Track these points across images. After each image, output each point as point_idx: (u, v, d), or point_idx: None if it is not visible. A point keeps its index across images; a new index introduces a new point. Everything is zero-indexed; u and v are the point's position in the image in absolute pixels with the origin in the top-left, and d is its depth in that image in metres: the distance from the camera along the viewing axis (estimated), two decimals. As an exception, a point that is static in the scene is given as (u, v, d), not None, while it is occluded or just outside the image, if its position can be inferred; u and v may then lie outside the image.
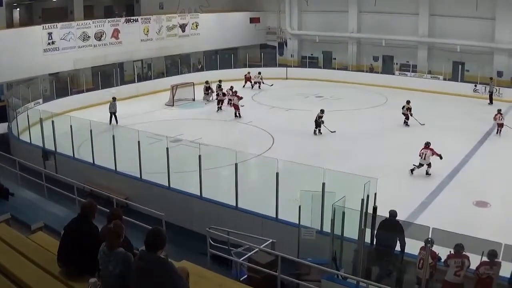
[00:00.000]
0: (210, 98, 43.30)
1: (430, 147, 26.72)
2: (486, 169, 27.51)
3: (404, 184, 24.61)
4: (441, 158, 26.34)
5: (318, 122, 33.40)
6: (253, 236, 14.96)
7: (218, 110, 39.30)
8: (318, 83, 50.97)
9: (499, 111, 35.59)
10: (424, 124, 34.86)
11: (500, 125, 35.15)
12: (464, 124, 35.61)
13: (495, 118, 35.22)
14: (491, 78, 46.39)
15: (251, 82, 50.06)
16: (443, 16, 52.43)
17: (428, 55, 53.69)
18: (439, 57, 52.35)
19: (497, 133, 34.94)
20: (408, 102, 37.49)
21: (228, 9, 57.92)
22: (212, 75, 46.87)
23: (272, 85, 49.55)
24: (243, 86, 48.86)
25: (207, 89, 43.41)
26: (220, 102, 40.75)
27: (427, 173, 26.45)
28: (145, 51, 49.19)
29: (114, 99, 36.40)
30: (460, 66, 51.22)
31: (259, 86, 49.35)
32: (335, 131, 33.34)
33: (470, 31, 50.21)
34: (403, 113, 36.89)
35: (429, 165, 26.46)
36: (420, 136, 32.46)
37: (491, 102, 44.13)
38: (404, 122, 36.79)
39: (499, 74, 49.28)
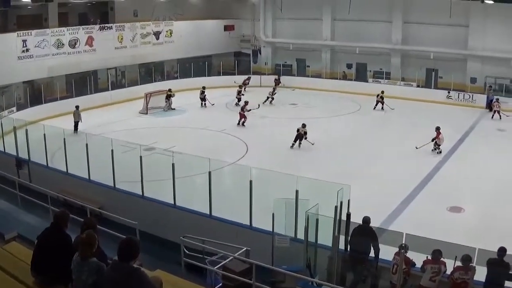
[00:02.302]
0: (169, 106, 43.29)
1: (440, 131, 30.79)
2: (460, 175, 27.93)
3: (378, 190, 24.58)
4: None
5: (301, 136, 33.17)
6: (227, 244, 14.99)
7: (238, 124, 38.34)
8: (292, 91, 51.07)
9: (497, 99, 43.87)
10: (393, 109, 36.65)
11: (497, 112, 42.84)
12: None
13: (493, 105, 43.59)
14: (490, 87, 47.28)
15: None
16: (416, 24, 52.99)
17: (402, 62, 54.20)
18: (413, 64, 52.93)
19: (492, 118, 42.79)
20: (382, 92, 43.15)
21: (202, 16, 57.91)
22: (186, 83, 46.94)
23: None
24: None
25: (168, 97, 43.26)
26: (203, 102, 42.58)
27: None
28: (119, 58, 48.96)
29: (77, 107, 36.13)
30: (433, 73, 51.78)
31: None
32: (314, 143, 33.27)
33: (443, 38, 50.75)
34: (377, 100, 42.79)
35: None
36: (392, 143, 32.95)
37: (490, 110, 44.69)
38: (374, 108, 42.54)
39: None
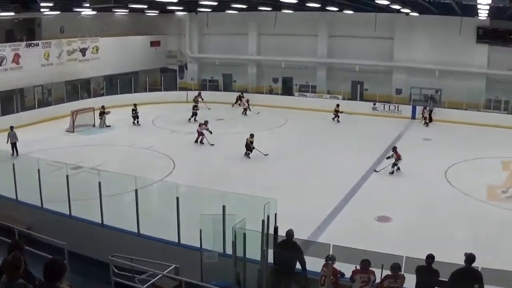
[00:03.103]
0: (104, 124, 42.98)
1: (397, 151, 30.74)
2: (387, 185, 28.84)
3: (307, 202, 25.10)
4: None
5: (249, 146, 33.83)
6: (156, 262, 15.07)
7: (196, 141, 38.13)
8: (219, 106, 51.33)
9: (424, 107, 47.21)
10: (267, 155, 34.51)
11: (425, 118, 46.32)
12: (364, 142, 36.49)
13: (422, 112, 46.69)
14: (430, 98, 48.43)
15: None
16: (342, 37, 54.14)
17: (327, 76, 55.34)
18: (338, 77, 54.22)
19: (424, 124, 46.09)
20: (338, 105, 44.94)
21: (128, 32, 57.70)
22: (113, 100, 46.59)
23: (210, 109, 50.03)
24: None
25: (102, 114, 42.98)
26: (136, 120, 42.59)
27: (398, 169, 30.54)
28: (46, 76, 48.20)
29: (11, 128, 34.78)
30: (359, 85, 52.65)
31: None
32: (267, 154, 33.94)
33: (369, 51, 52.10)
34: (334, 114, 44.58)
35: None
36: (320, 156, 33.46)
37: (430, 121, 46.35)
38: (333, 119, 44.44)
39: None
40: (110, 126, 43.10)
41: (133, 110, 43.45)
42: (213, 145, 36.02)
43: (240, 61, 59.48)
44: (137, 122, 43.64)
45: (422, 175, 30.37)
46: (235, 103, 53.60)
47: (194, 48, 62.11)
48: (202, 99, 50.90)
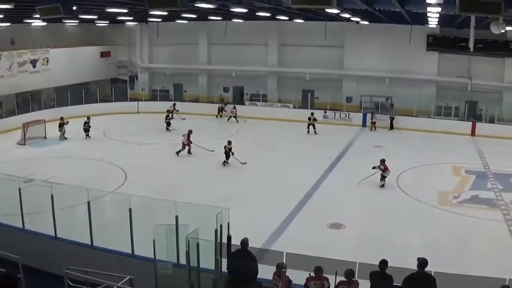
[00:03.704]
0: (63, 135, 42.45)
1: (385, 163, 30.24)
2: (338, 192, 29.22)
3: (260, 211, 25.30)
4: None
5: (228, 154, 34.15)
6: (111, 274, 15.08)
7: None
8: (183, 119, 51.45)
9: (373, 113, 48.46)
10: (245, 163, 34.90)
11: (373, 123, 47.80)
12: (315, 150, 36.83)
13: (372, 118, 47.99)
14: (391, 105, 49.07)
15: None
16: (292, 46, 54.64)
17: (278, 84, 55.76)
18: (289, 86, 54.55)
19: (371, 129, 47.69)
20: (312, 113, 44.97)
21: (79, 43, 57.25)
22: (64, 112, 46.21)
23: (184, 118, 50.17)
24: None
25: (61, 126, 42.54)
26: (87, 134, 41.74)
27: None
28: (-3, 88, 47.49)
29: None
30: (309, 94, 53.17)
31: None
32: (246, 163, 34.27)
33: (319, 59, 52.73)
34: (308, 123, 44.14)
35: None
36: (272, 165, 33.67)
37: (391, 128, 47.30)
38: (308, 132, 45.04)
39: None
40: (67, 138, 42.50)
41: (85, 122, 42.94)
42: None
43: (191, 71, 59.57)
44: (88, 136, 42.94)
45: (373, 181, 30.67)
46: (218, 114, 53.62)
47: (144, 58, 62.06)
48: (177, 110, 51.21)
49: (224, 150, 34.49)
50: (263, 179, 31.57)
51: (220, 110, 53.57)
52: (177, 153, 37.08)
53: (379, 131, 46.99)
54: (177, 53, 59.98)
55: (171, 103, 52.90)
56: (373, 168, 30.30)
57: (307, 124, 45.61)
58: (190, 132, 37.41)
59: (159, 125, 46.76)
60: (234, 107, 52.23)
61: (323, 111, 50.14)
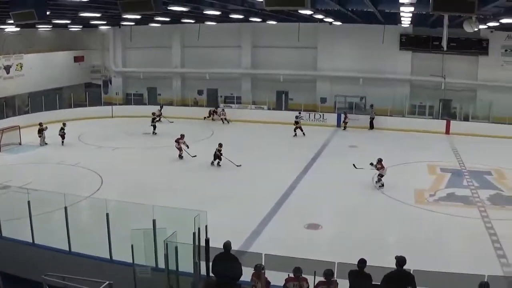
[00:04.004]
0: (44, 141, 41.99)
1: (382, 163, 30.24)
2: (315, 193, 29.24)
3: (237, 213, 25.32)
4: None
5: (218, 155, 34.57)
6: (89, 280, 15.03)
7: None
8: (144, 120, 51.22)
9: (344, 112, 48.96)
10: (240, 165, 35.07)
11: (345, 123, 48.26)
12: (290, 151, 36.91)
13: (345, 117, 48.40)
14: (371, 106, 49.22)
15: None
16: (265, 48, 54.79)
17: (252, 86, 55.88)
18: (263, 87, 54.64)
19: (343, 129, 48.45)
20: (296, 117, 44.97)
21: (52, 48, 56.76)
22: (39, 117, 45.89)
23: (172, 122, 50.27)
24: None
25: (40, 131, 42.06)
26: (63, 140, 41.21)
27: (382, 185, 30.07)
28: (-29, 95, 46.75)
29: None
30: (283, 95, 53.33)
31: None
32: (240, 165, 34.46)
33: (293, 60, 52.98)
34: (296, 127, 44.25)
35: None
36: (248, 166, 33.71)
37: (371, 128, 47.64)
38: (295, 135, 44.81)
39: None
40: (47, 143, 42.16)
41: (61, 128, 42.43)
42: (195, 156, 36.26)
43: (165, 74, 59.51)
44: (62, 142, 42.41)
45: (349, 181, 30.96)
46: (208, 116, 53.60)
47: (118, 62, 61.82)
48: (161, 114, 51.00)
49: (214, 152, 34.87)
50: (239, 181, 31.66)
51: (212, 113, 53.55)
52: (180, 157, 37.14)
53: (354, 131, 47.18)
54: (151, 56, 59.81)
55: (157, 107, 52.66)
56: (371, 164, 30.46)
57: (294, 127, 45.75)
58: (182, 136, 37.33)
59: (133, 129, 46.74)
60: (223, 110, 52.48)
61: (297, 112, 50.20)
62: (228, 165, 34.58)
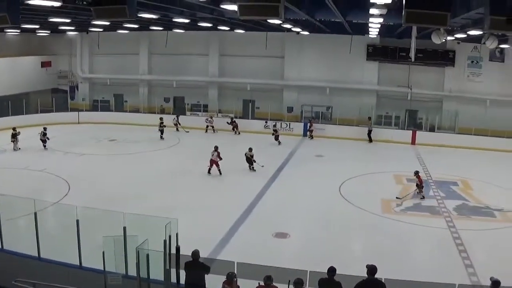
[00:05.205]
0: (17, 146, 41.55)
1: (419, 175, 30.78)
2: (282, 201, 29.43)
3: (203, 222, 25.35)
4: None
5: (250, 160, 35.13)
6: (60, 286, 15.00)
7: None
8: (111, 126, 51.08)
9: (310, 120, 49.88)
10: (263, 166, 35.85)
11: (311, 132, 48.92)
12: (257, 160, 36.98)
13: (310, 126, 49.15)
14: (369, 118, 49.15)
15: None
16: (233, 56, 54.89)
17: (219, 95, 56.00)
18: (230, 96, 54.75)
19: (310, 138, 48.97)
20: (274, 125, 45.88)
21: (19, 53, 56.31)
22: (5, 122, 45.57)
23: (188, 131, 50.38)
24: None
25: (14, 136, 41.42)
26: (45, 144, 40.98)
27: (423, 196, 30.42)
28: None
29: None
30: (250, 104, 53.43)
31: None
32: (263, 166, 35.11)
33: (260, 69, 53.31)
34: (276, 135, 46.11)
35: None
36: (215, 174, 33.64)
37: (370, 141, 47.38)
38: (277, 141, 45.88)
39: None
40: (21, 148, 41.66)
41: (43, 134, 41.98)
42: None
43: (132, 81, 59.39)
44: (45, 146, 42.20)
45: (316, 191, 31.22)
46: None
47: (85, 68, 61.58)
48: (180, 124, 51.17)
49: (245, 157, 35.50)
50: (206, 189, 31.75)
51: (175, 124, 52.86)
52: (209, 173, 35.19)
53: (320, 140, 47.45)
54: (118, 63, 59.72)
55: (173, 115, 52.71)
56: (397, 198, 30.47)
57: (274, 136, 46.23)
58: (216, 148, 35.40)
59: (99, 135, 46.65)
60: (211, 117, 52.51)
61: (264, 121, 50.42)
62: (195, 173, 34.80)
